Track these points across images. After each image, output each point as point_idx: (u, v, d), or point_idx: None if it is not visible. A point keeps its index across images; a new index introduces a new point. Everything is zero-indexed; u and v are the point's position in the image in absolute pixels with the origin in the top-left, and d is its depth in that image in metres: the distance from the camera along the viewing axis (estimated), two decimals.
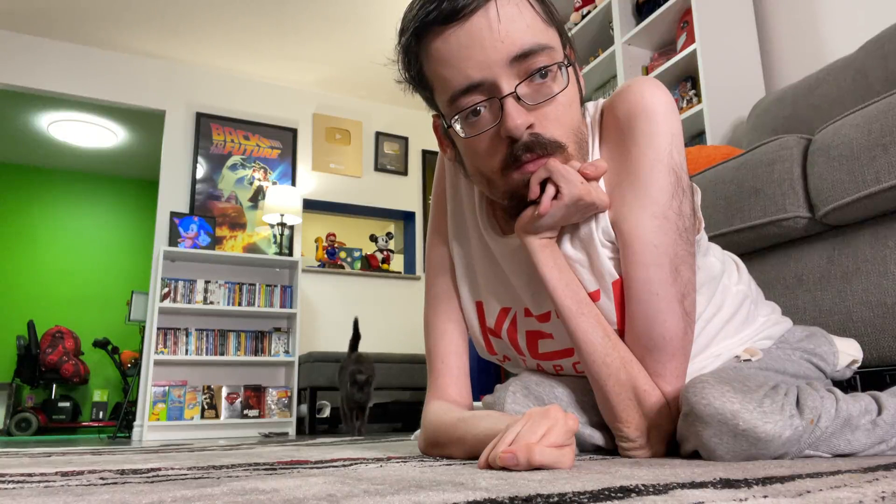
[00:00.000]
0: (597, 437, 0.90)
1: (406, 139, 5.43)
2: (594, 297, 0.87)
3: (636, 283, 0.82)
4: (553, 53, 0.80)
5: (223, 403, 4.21)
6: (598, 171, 0.83)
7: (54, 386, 5.67)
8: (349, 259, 5.11)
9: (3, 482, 0.68)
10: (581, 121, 0.85)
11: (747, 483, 0.51)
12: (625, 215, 0.83)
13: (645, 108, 0.83)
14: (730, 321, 0.96)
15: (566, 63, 0.81)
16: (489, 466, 0.67)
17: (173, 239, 4.34)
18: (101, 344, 5.30)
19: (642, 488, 0.48)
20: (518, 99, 0.79)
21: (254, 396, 4.29)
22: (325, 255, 4.99)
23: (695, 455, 0.79)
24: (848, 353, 1.04)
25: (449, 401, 0.98)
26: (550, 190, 0.82)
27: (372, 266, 5.10)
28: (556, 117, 0.81)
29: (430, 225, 1.09)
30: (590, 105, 0.92)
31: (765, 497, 0.44)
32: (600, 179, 0.86)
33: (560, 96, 0.80)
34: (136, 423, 4.09)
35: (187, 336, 4.23)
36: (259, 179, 4.83)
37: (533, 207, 0.84)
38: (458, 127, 0.83)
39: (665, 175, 0.82)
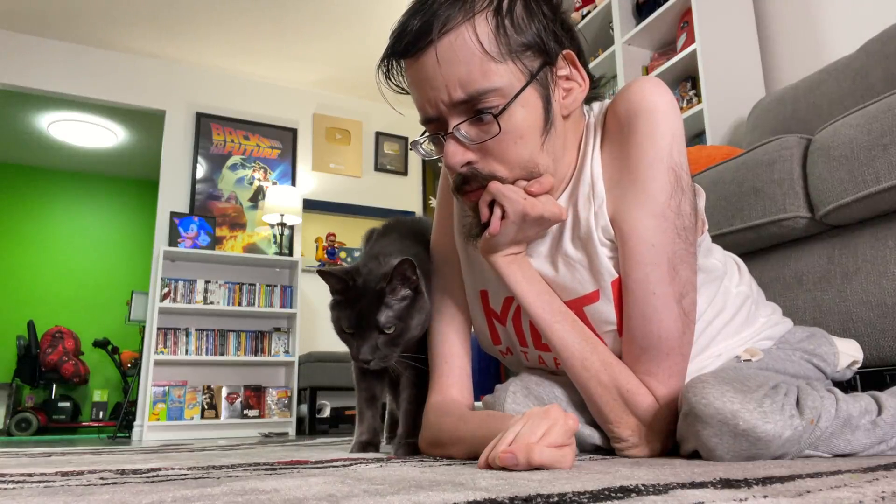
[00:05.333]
0: (596, 437, 0.90)
1: (406, 139, 5.43)
2: (593, 297, 0.87)
3: (633, 281, 0.83)
4: (501, 92, 0.79)
5: (223, 403, 4.21)
6: (542, 188, 0.84)
7: (54, 386, 5.67)
8: (349, 259, 5.10)
9: (3, 482, 0.68)
10: (538, 151, 0.83)
11: (747, 483, 0.51)
12: (623, 214, 0.84)
13: (646, 107, 0.83)
14: (730, 322, 0.96)
15: (510, 102, 0.79)
16: (489, 466, 0.67)
17: (173, 239, 4.34)
18: (101, 344, 5.30)
19: (642, 488, 0.48)
20: (459, 137, 0.82)
21: (254, 396, 4.29)
22: (325, 255, 4.99)
23: (695, 455, 0.79)
24: (848, 353, 1.04)
25: (450, 400, 0.98)
26: (497, 211, 0.85)
27: None
28: (498, 153, 0.83)
29: (434, 226, 1.09)
30: (595, 105, 0.93)
31: (765, 497, 0.44)
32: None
33: (505, 134, 0.81)
34: (136, 423, 4.09)
35: (187, 336, 4.23)
36: (259, 179, 4.82)
37: (489, 229, 0.86)
38: (424, 145, 0.88)
39: (664, 174, 0.82)
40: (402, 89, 0.88)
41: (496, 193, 0.83)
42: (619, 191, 0.85)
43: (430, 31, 0.79)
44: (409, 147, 0.91)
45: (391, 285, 0.98)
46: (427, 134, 0.87)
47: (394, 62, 0.86)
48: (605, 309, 0.86)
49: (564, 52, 0.85)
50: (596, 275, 0.86)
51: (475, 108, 0.80)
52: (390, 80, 0.87)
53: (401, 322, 0.98)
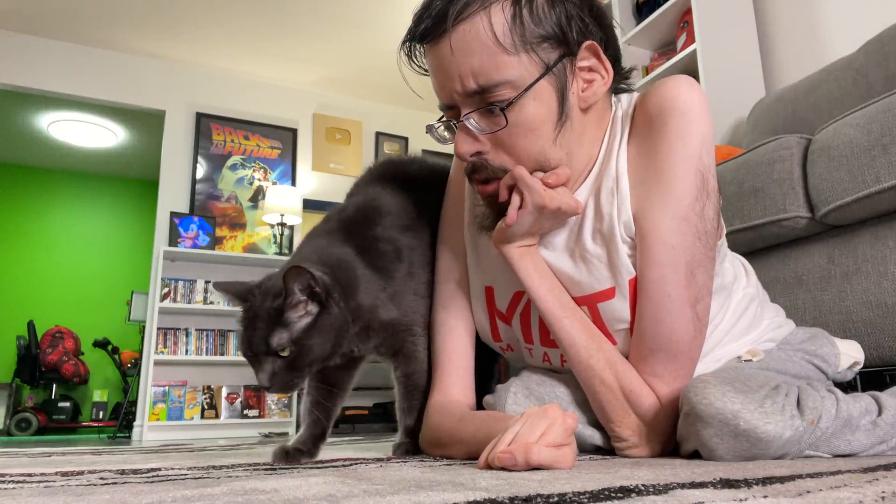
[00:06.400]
0: (597, 438, 0.90)
1: (406, 139, 5.42)
2: (608, 294, 0.86)
3: (649, 281, 0.82)
4: (512, 85, 0.79)
5: (223, 403, 4.21)
6: (558, 179, 0.83)
7: (54, 386, 5.66)
8: None
9: (3, 482, 0.68)
10: (550, 144, 0.82)
11: (747, 483, 0.51)
12: (646, 212, 0.82)
13: (679, 107, 0.81)
14: (736, 324, 0.96)
15: (519, 96, 0.79)
16: (489, 466, 0.67)
17: (173, 239, 4.34)
18: (101, 344, 5.29)
19: (642, 488, 0.48)
20: (469, 127, 0.82)
21: (254, 396, 4.29)
22: None
23: (695, 455, 0.79)
24: (849, 354, 1.04)
25: (452, 400, 0.98)
26: (516, 200, 0.84)
27: None
28: (508, 146, 0.82)
29: (441, 222, 1.07)
30: (624, 97, 0.91)
31: (765, 497, 0.44)
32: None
33: (515, 127, 0.81)
34: (136, 423, 4.09)
35: (187, 336, 4.23)
36: (259, 179, 4.82)
37: (504, 219, 0.85)
38: (439, 131, 0.89)
39: (692, 176, 0.81)
40: (425, 71, 0.88)
41: (519, 179, 0.82)
42: (643, 188, 0.83)
43: (446, 19, 0.79)
44: (426, 131, 0.91)
45: (290, 300, 0.85)
46: (443, 119, 0.87)
47: (416, 44, 0.86)
48: (620, 307, 0.85)
49: (587, 42, 0.82)
50: (614, 271, 0.85)
51: (487, 100, 0.80)
52: (412, 61, 0.87)
53: (297, 345, 0.85)
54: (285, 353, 0.85)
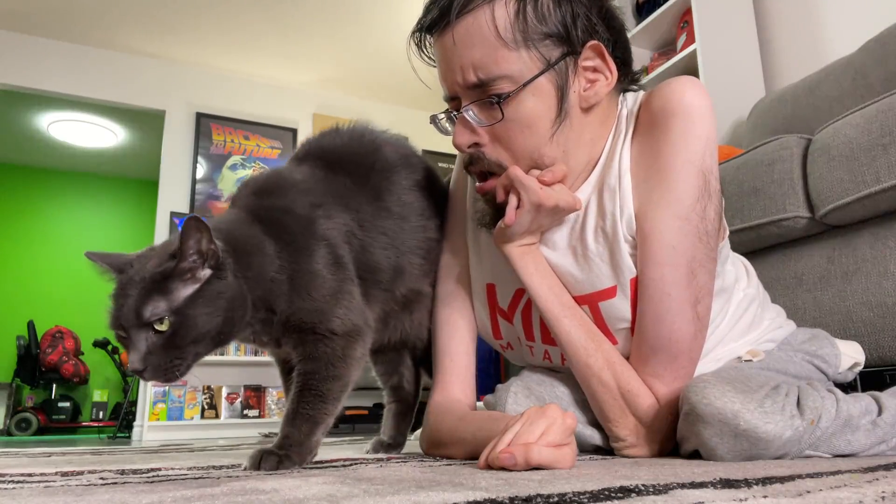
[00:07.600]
0: (597, 438, 0.90)
1: (405, 139, 5.42)
2: (610, 293, 0.86)
3: (650, 281, 0.82)
4: (512, 80, 0.79)
5: (223, 403, 4.21)
6: (554, 177, 0.83)
7: (54, 386, 5.66)
8: None
9: (3, 482, 0.68)
10: (546, 142, 0.83)
11: (747, 483, 0.51)
12: (648, 212, 0.83)
13: (683, 108, 0.81)
14: (736, 324, 0.96)
15: (517, 91, 0.79)
16: (489, 466, 0.67)
17: None
18: (101, 344, 5.29)
19: (642, 488, 0.48)
20: (468, 119, 0.83)
21: (254, 396, 4.29)
22: None
23: (695, 455, 0.79)
24: (850, 355, 1.04)
25: (453, 399, 0.98)
26: (513, 200, 0.84)
27: None
28: (505, 140, 0.83)
29: (447, 221, 1.08)
30: (629, 96, 0.91)
31: (765, 497, 0.44)
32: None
33: (511, 122, 0.81)
34: (136, 423, 4.09)
35: None
36: None
37: (503, 219, 0.86)
38: (442, 122, 0.90)
39: (694, 177, 0.81)
40: (433, 61, 0.89)
41: (515, 179, 0.83)
42: (645, 187, 0.83)
43: (450, 11, 0.80)
44: (429, 121, 0.92)
45: (183, 264, 0.70)
46: (446, 111, 0.88)
47: (424, 35, 0.87)
48: (622, 306, 0.85)
49: (591, 42, 0.82)
50: (616, 270, 0.85)
51: (486, 93, 0.80)
52: (422, 52, 0.88)
53: (177, 315, 0.69)
54: (162, 327, 0.69)
